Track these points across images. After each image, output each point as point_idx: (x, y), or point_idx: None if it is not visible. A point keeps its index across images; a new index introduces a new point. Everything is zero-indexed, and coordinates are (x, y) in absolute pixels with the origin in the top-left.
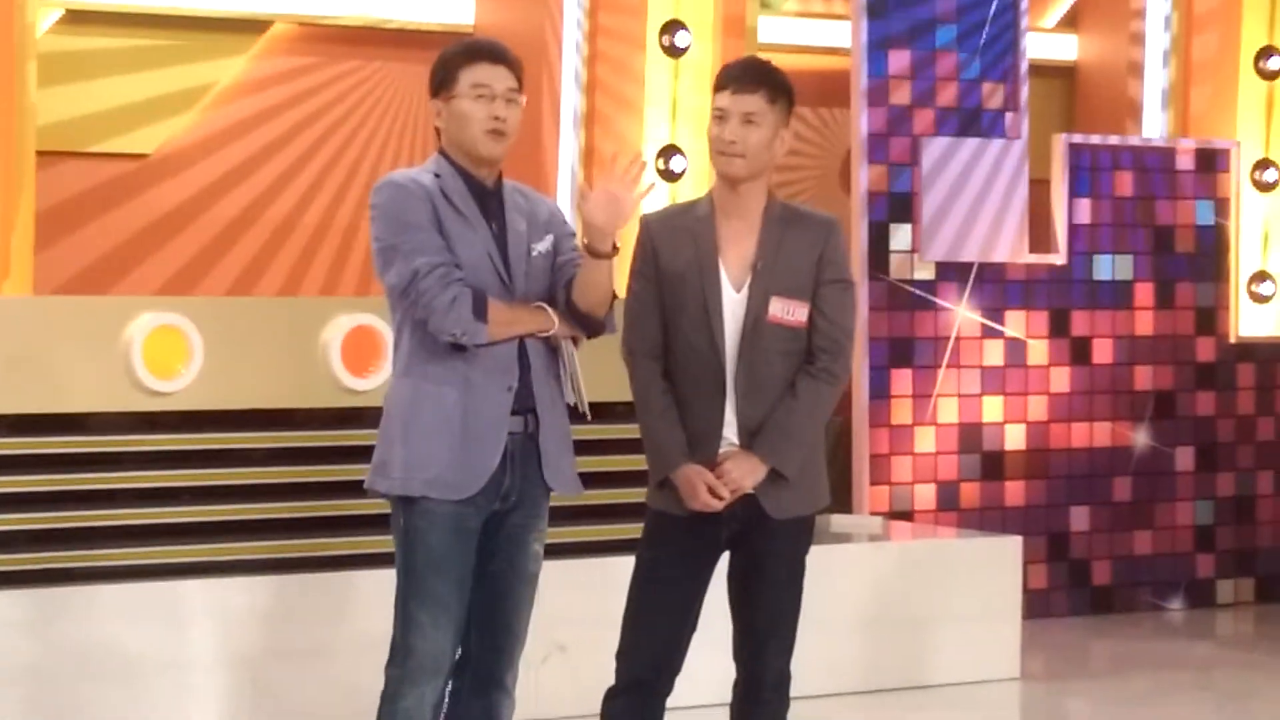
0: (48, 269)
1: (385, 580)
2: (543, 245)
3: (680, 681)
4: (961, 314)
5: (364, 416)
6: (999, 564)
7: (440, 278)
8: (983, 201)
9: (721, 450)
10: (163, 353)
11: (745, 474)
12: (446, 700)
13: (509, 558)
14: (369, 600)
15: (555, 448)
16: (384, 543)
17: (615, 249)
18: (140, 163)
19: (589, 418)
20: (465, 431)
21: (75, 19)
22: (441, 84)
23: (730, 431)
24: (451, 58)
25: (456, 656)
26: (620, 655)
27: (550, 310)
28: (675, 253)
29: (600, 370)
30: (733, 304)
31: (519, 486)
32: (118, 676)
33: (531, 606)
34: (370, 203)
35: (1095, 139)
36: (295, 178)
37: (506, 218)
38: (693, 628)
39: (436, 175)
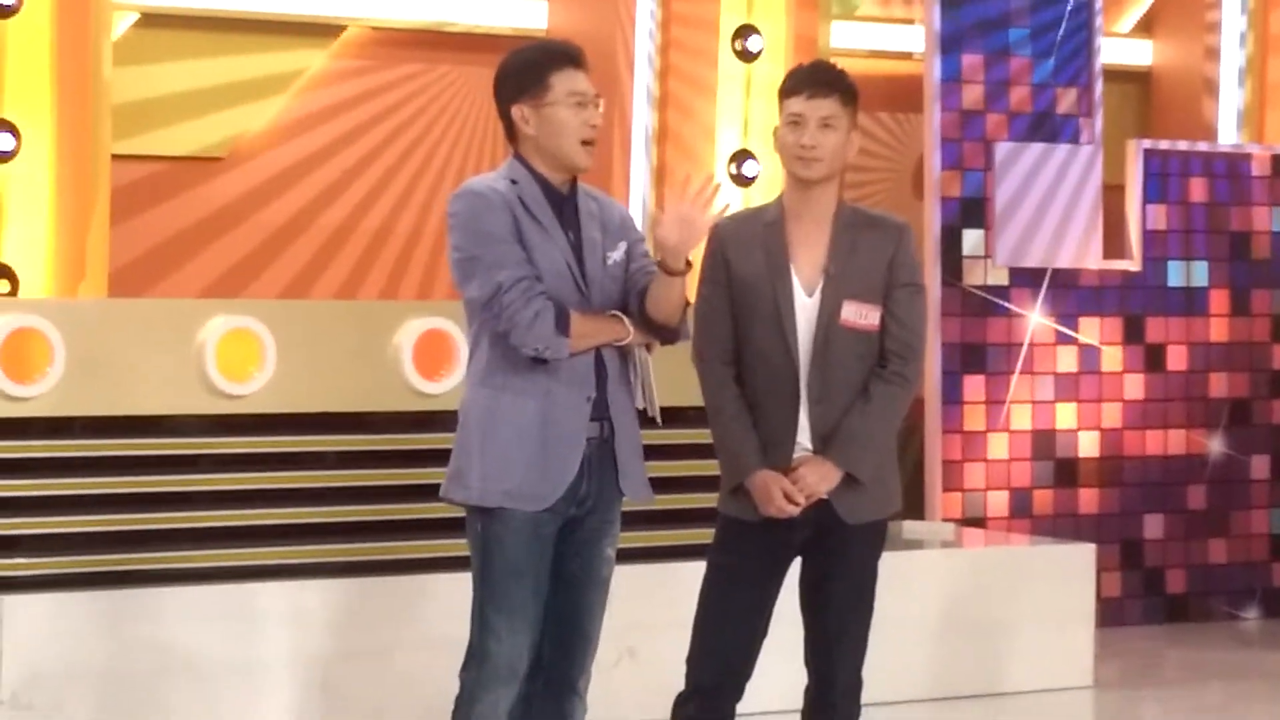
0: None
1: (457, 584)
2: (617, 254)
3: (751, 687)
4: (1035, 320)
5: (436, 420)
6: (1072, 572)
7: (523, 292)
8: (1056, 206)
9: (795, 455)
10: (236, 356)
11: (820, 480)
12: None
13: (583, 562)
14: (440, 604)
15: (629, 454)
16: (456, 546)
17: (689, 265)
18: (213, 164)
19: (660, 423)
20: (545, 442)
21: (150, 22)
22: (529, 88)
23: (804, 436)
24: (541, 61)
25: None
26: (690, 661)
27: (626, 320)
28: (746, 258)
29: (671, 375)
30: (805, 308)
31: (594, 492)
32: (191, 677)
33: (604, 610)
34: (449, 210)
35: (1170, 144)
36: (355, 181)
37: (582, 226)
38: (764, 634)
39: (513, 182)
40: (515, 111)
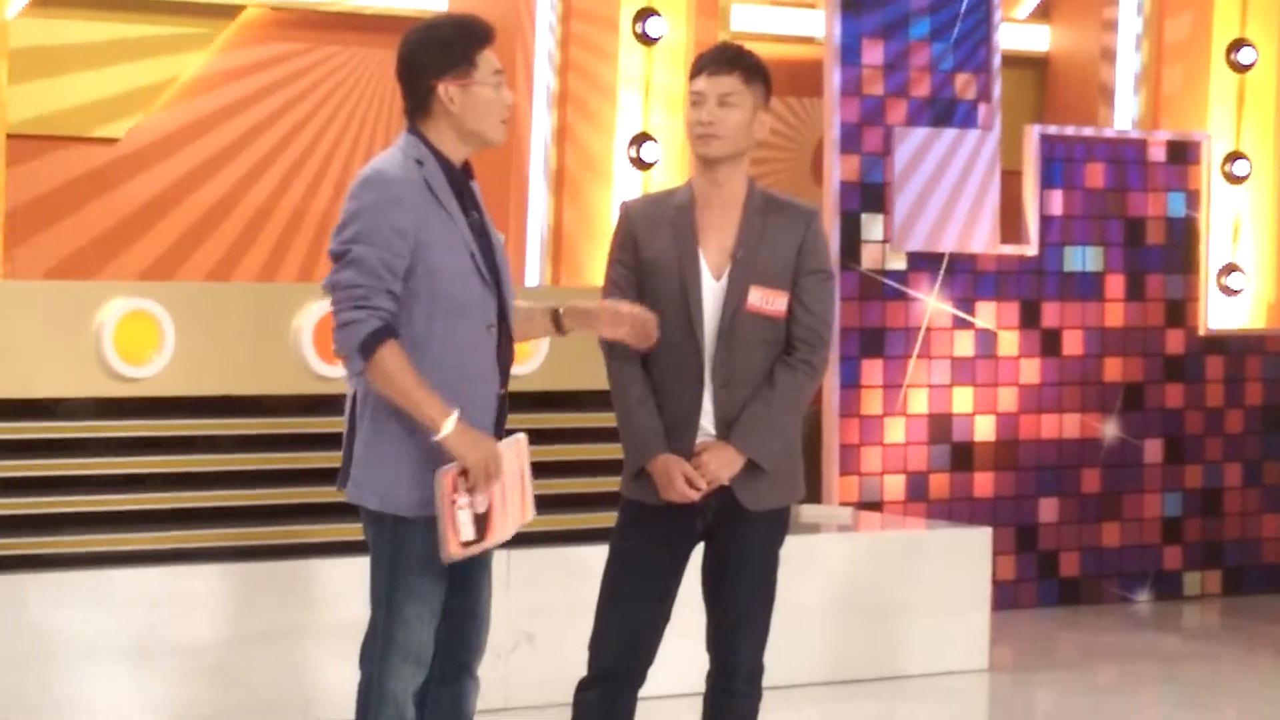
0: (24, 263)
1: (352, 568)
2: (501, 238)
3: (653, 671)
4: (933, 305)
5: (334, 404)
6: (968, 555)
7: (361, 299)
8: (955, 192)
9: (699, 440)
10: (134, 338)
11: (723, 465)
12: None
13: None
14: (336, 588)
15: None
16: (352, 531)
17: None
18: (113, 151)
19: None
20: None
21: (43, 3)
22: (456, 65)
23: (707, 421)
24: (465, 39)
25: None
26: (592, 645)
27: (450, 419)
28: (654, 240)
29: (573, 358)
30: (712, 292)
31: None
32: (85, 661)
33: (491, 591)
34: (354, 192)
35: (1067, 130)
36: (271, 165)
37: (480, 206)
38: (666, 618)
39: (419, 163)
40: (441, 89)
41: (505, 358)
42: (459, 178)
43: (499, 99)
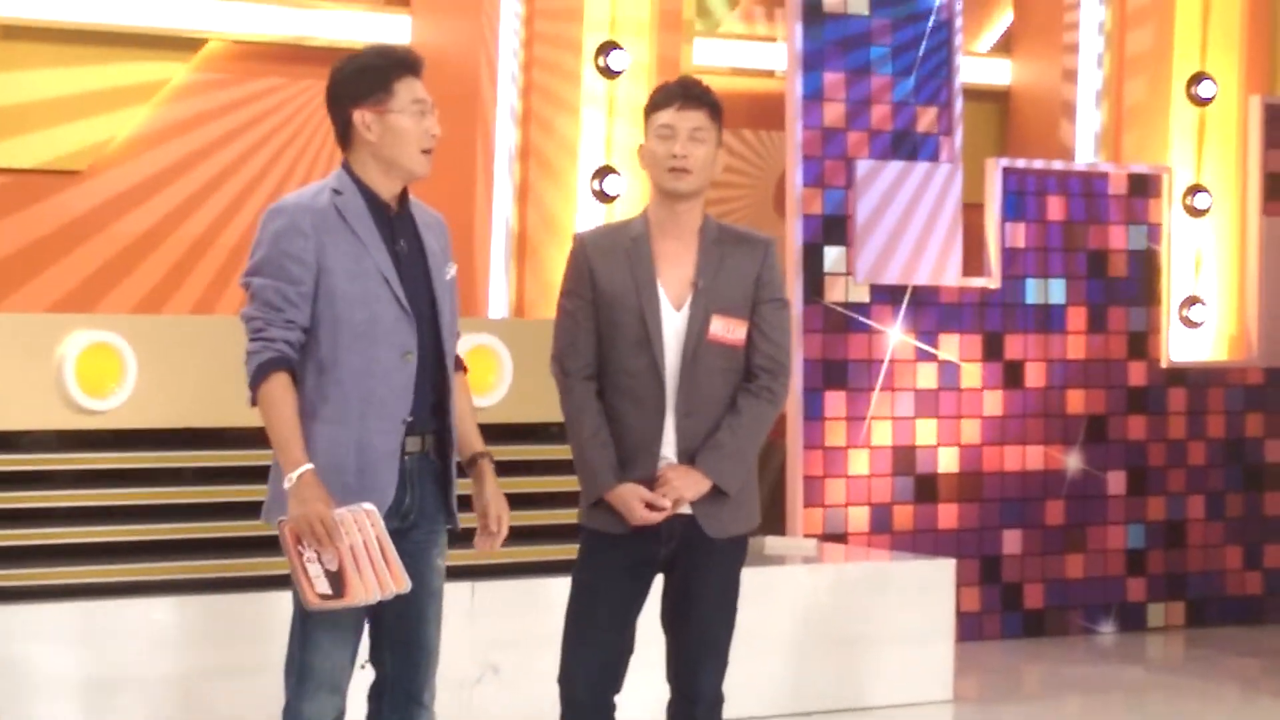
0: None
1: None
2: (451, 271)
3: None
4: (895, 336)
5: None
6: (932, 586)
7: (264, 327)
8: (916, 224)
9: (661, 466)
10: (96, 371)
11: (688, 486)
12: None
13: (415, 575)
14: None
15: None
16: None
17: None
18: (70, 176)
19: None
20: (361, 470)
21: (9, 34)
22: (372, 93)
23: (669, 450)
24: (383, 67)
25: (373, 678)
26: (562, 679)
27: (297, 474)
28: (612, 272)
29: (532, 390)
30: (673, 323)
31: (416, 505)
32: (45, 695)
33: (440, 621)
34: (261, 223)
35: (1029, 164)
36: (214, 194)
37: (421, 235)
38: (631, 648)
39: (337, 192)
40: (357, 116)
41: (431, 386)
42: (385, 209)
43: (419, 128)
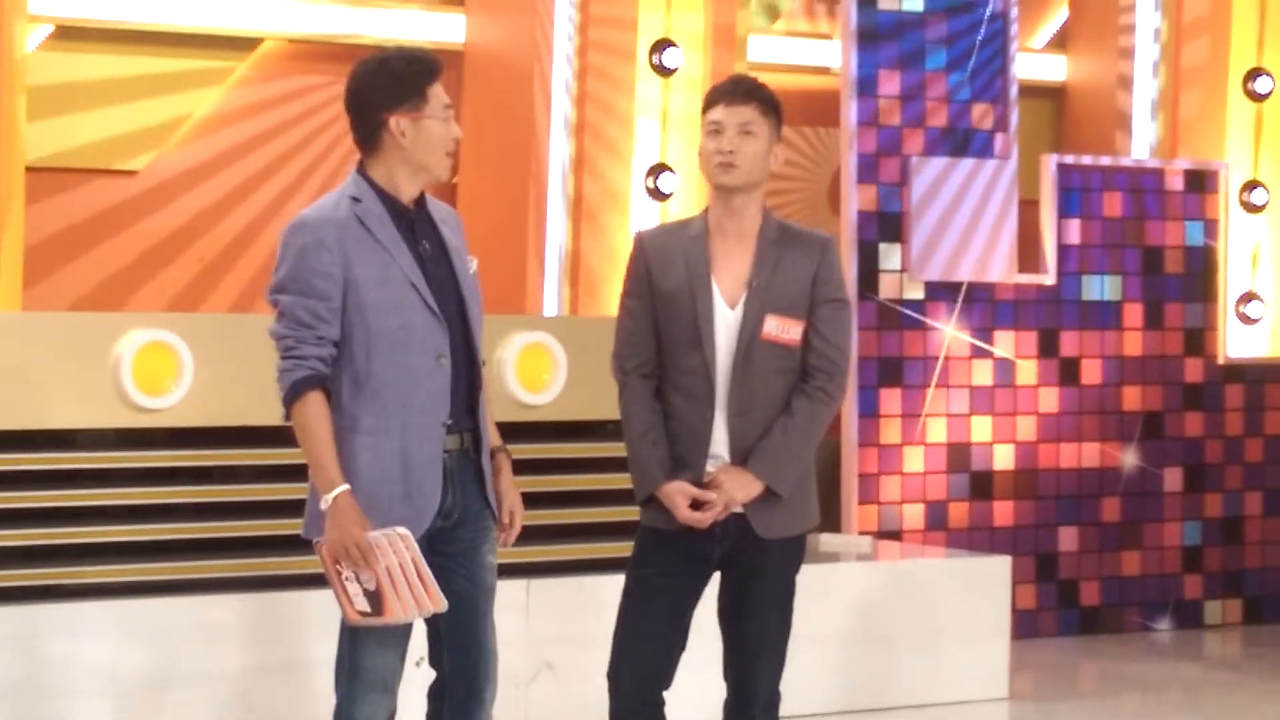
0: (46, 299)
1: None
2: (473, 266)
3: (670, 700)
4: (951, 334)
5: None
6: (987, 584)
7: (295, 345)
8: (973, 222)
9: (714, 467)
10: (152, 369)
11: (738, 488)
12: None
13: (467, 574)
14: None
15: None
16: None
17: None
18: (130, 181)
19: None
20: (406, 477)
21: (65, 35)
22: (408, 99)
23: (722, 449)
24: (417, 73)
25: (433, 676)
26: (611, 675)
27: (333, 495)
28: (668, 270)
29: (586, 388)
30: (726, 322)
31: (460, 503)
32: (104, 693)
33: (494, 621)
34: (282, 240)
35: (1085, 160)
36: (293, 197)
37: (442, 234)
38: (683, 646)
39: (356, 200)
40: (392, 122)
41: (467, 387)
42: (406, 212)
43: (447, 133)
